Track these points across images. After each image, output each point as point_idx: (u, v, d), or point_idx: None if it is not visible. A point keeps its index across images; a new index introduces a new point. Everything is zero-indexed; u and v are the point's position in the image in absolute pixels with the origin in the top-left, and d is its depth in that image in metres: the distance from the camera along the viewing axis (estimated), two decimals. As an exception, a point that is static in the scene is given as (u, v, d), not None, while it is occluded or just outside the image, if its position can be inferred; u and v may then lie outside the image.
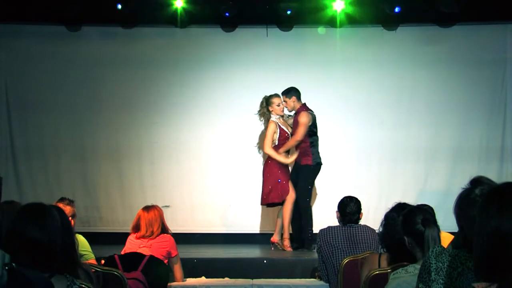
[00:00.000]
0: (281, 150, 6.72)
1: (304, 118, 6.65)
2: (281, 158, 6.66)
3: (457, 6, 7.19)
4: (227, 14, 7.45)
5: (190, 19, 7.66)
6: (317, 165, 6.74)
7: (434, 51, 7.86)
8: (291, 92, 6.76)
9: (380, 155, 7.81)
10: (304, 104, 6.78)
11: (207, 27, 7.92)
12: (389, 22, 7.79)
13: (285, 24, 7.89)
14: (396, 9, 7.41)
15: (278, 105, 6.76)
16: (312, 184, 6.81)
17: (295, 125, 6.76)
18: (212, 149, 7.86)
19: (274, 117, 6.78)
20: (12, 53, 7.90)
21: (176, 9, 7.42)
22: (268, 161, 6.79)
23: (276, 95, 6.82)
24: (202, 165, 7.86)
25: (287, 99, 6.76)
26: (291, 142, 6.74)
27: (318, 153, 6.76)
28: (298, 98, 6.76)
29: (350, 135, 7.83)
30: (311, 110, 6.77)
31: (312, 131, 6.73)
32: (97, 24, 7.90)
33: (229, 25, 7.89)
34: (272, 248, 6.79)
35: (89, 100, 7.92)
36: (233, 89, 7.88)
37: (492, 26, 7.88)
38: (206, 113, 7.86)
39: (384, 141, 7.81)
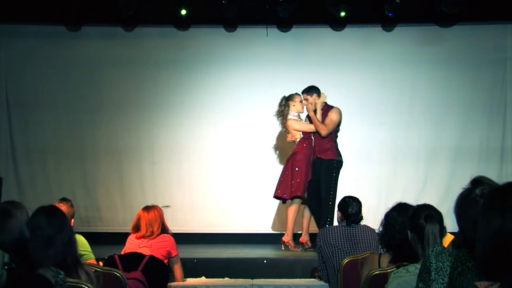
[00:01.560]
0: (304, 127, 6.65)
1: (335, 116, 6.53)
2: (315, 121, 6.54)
3: (457, 6, 7.19)
4: (231, 16, 7.43)
5: (190, 19, 7.67)
6: (340, 162, 6.60)
7: (434, 51, 7.86)
8: (312, 90, 6.65)
9: (380, 155, 7.82)
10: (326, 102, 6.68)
11: (207, 27, 7.93)
12: (389, 22, 7.78)
13: (285, 24, 7.89)
14: (389, 14, 7.38)
15: (301, 101, 6.68)
16: (336, 179, 6.56)
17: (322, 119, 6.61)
18: (213, 149, 7.86)
19: (292, 115, 6.68)
20: (12, 53, 7.90)
21: (176, 9, 7.42)
22: (296, 156, 6.63)
23: (298, 93, 6.75)
24: (203, 165, 7.86)
25: (308, 97, 6.63)
26: (318, 126, 6.50)
27: (339, 150, 6.63)
28: (319, 95, 6.65)
29: (350, 135, 7.81)
30: None
31: (337, 129, 6.64)
32: (97, 24, 7.90)
33: (229, 25, 7.90)
34: (300, 248, 6.65)
35: (89, 100, 7.92)
36: (233, 89, 7.88)
37: (492, 26, 7.88)
38: (206, 113, 7.86)
39: (384, 141, 7.81)
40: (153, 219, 4.81)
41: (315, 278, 5.51)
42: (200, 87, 7.91)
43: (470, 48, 7.86)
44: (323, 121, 6.56)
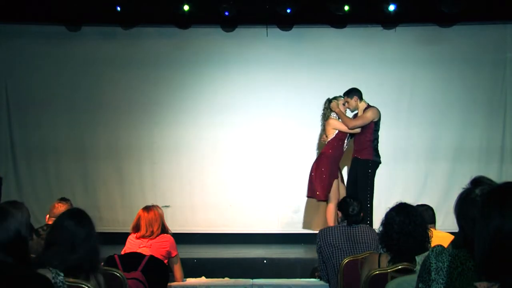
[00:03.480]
0: (336, 125, 6.62)
1: (369, 113, 6.51)
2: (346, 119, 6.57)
3: (457, 6, 7.19)
4: (226, 13, 7.41)
5: (190, 19, 7.67)
6: (376, 163, 6.55)
7: (434, 51, 7.86)
8: (352, 92, 6.64)
9: (380, 155, 7.80)
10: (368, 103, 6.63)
11: (207, 27, 7.93)
12: (389, 22, 7.78)
13: (285, 24, 7.89)
14: (392, 8, 7.31)
15: (344, 104, 6.65)
16: (372, 179, 6.52)
17: None
18: (212, 149, 7.86)
19: (333, 115, 6.67)
20: (12, 53, 7.90)
21: (177, 9, 7.40)
22: (321, 158, 6.62)
23: (341, 96, 6.70)
24: (202, 165, 7.86)
25: (348, 99, 6.63)
26: (345, 120, 6.54)
27: (378, 151, 6.57)
28: (360, 97, 6.64)
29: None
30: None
31: (376, 129, 6.58)
32: (97, 24, 7.90)
33: (229, 25, 7.90)
34: None
35: (89, 100, 7.92)
36: (233, 89, 7.88)
37: (492, 26, 7.88)
38: (206, 113, 7.86)
39: (385, 141, 7.77)
40: (153, 219, 4.81)
41: (315, 278, 5.51)
42: (200, 87, 7.91)
43: (470, 48, 7.86)
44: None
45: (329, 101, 6.72)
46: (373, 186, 6.51)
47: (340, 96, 6.70)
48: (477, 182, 2.17)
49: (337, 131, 6.61)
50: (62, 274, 2.43)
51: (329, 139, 6.63)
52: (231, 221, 7.77)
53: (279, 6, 7.33)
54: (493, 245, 1.59)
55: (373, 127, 6.53)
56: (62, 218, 2.81)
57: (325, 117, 6.71)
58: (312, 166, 6.65)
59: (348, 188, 6.58)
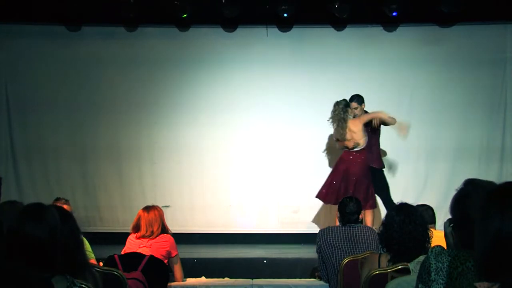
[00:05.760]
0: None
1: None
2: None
3: (457, 6, 7.19)
4: (231, 16, 7.41)
5: (191, 19, 7.67)
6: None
7: (434, 51, 7.85)
8: (362, 98, 6.71)
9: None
10: None
11: (207, 27, 7.92)
12: (389, 22, 7.78)
13: (285, 24, 7.89)
14: (394, 13, 7.36)
15: (355, 108, 6.62)
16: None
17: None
18: (212, 149, 7.85)
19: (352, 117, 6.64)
20: (12, 53, 7.89)
21: (176, 10, 7.40)
22: (353, 167, 6.46)
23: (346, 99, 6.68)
24: (202, 165, 7.85)
25: (361, 106, 6.66)
26: (394, 120, 6.62)
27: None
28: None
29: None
30: None
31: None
32: (98, 24, 7.90)
33: (229, 25, 7.90)
34: None
35: (89, 100, 7.91)
36: (233, 89, 7.88)
37: (492, 26, 7.88)
38: (206, 113, 7.85)
39: (384, 141, 7.79)
40: (153, 219, 4.82)
41: (315, 278, 5.52)
42: (200, 87, 7.90)
43: (470, 48, 7.85)
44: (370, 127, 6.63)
45: (344, 104, 6.57)
46: None
47: (347, 100, 6.66)
48: (471, 183, 2.18)
49: (366, 136, 6.53)
50: (78, 284, 2.35)
51: (362, 146, 6.51)
52: (231, 221, 7.77)
53: (278, 7, 7.31)
54: (494, 245, 1.59)
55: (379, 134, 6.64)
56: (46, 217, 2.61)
57: (345, 121, 6.50)
58: (342, 175, 6.50)
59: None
